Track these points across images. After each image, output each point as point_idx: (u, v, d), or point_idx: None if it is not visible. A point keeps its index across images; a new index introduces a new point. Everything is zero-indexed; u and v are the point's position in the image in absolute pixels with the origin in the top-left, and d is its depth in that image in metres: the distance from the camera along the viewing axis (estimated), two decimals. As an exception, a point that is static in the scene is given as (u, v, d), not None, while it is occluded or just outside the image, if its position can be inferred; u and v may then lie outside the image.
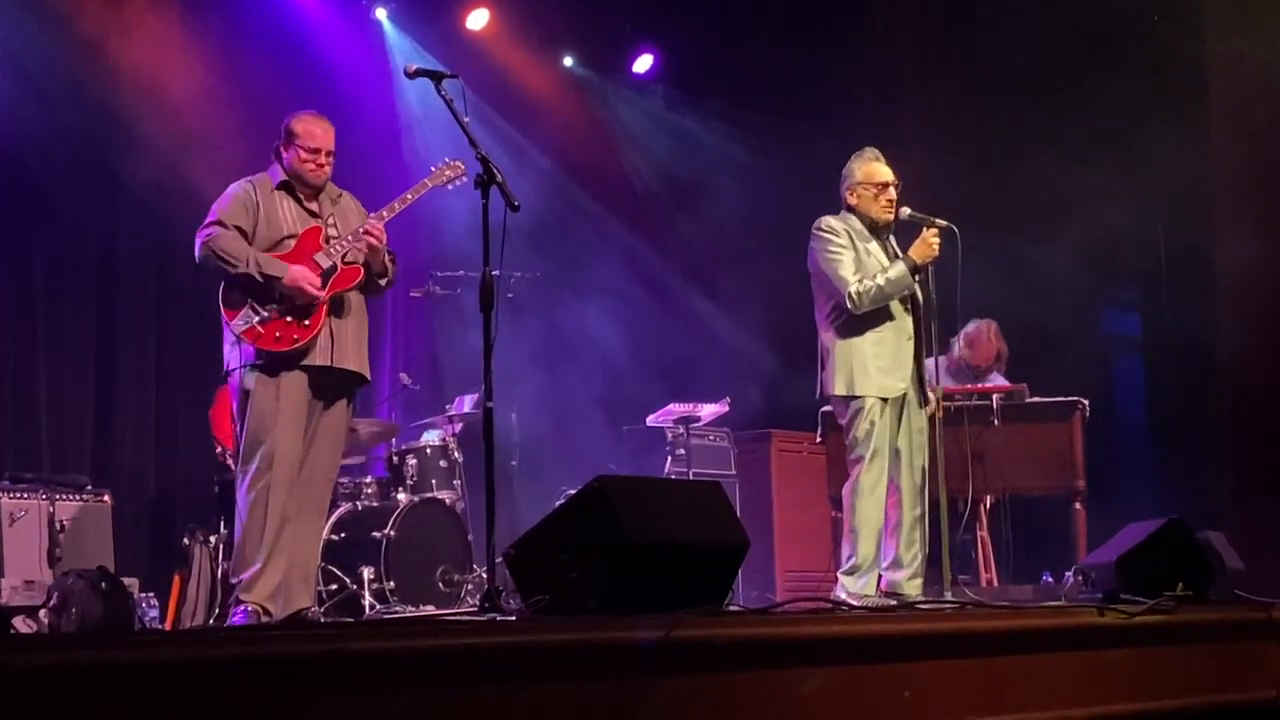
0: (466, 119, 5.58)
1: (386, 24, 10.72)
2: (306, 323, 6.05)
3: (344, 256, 6.17)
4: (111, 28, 8.78)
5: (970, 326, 8.67)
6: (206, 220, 6.10)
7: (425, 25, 10.76)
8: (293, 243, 6.15)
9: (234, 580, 5.98)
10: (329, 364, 6.12)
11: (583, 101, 11.92)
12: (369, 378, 6.43)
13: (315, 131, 6.28)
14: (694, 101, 11.86)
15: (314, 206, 6.30)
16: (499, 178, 5.39)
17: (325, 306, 6.10)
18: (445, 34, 10.82)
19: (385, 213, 6.30)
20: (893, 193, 6.82)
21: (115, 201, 8.98)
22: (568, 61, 11.87)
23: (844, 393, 6.67)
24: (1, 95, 8.42)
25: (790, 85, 11.28)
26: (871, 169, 6.86)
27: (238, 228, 6.07)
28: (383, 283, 6.44)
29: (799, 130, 10.92)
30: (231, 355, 6.08)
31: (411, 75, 5.77)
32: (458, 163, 6.54)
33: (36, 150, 8.62)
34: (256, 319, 5.98)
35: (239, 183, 6.25)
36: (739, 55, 11.49)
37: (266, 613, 5.89)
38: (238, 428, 6.10)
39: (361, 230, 6.19)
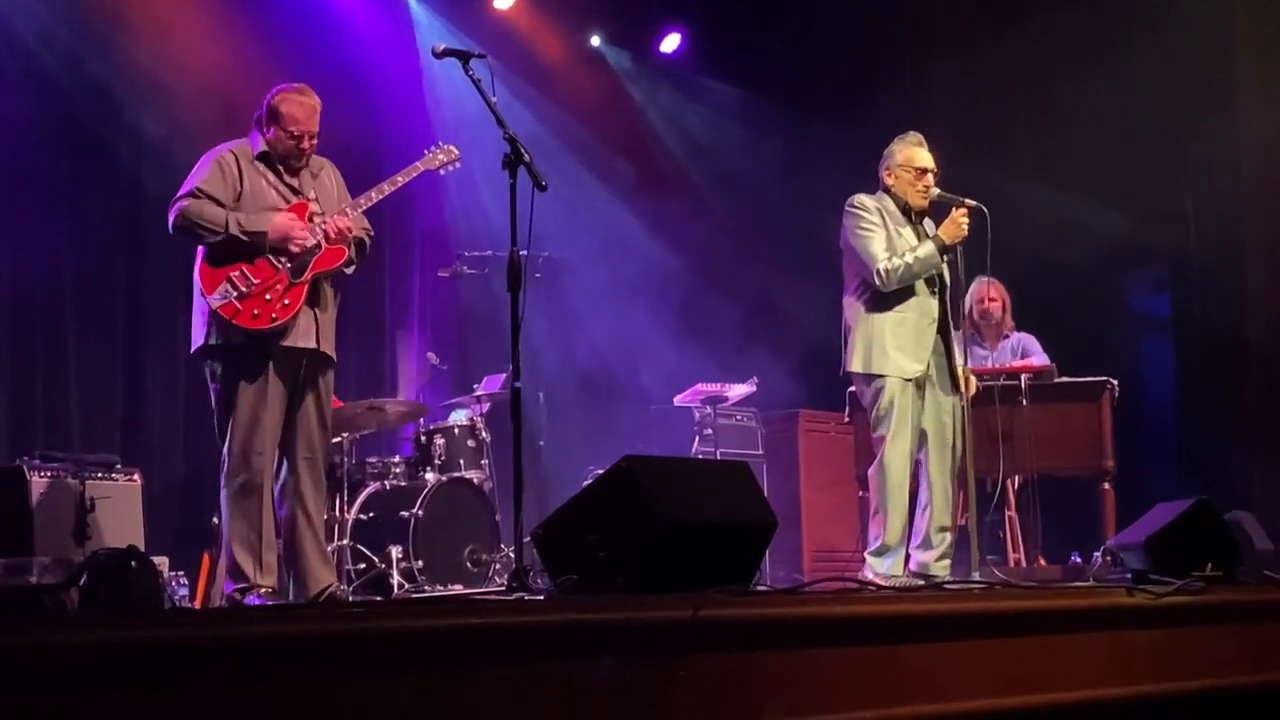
0: (494, 98, 5.57)
1: (413, 3, 10.72)
2: (286, 302, 5.95)
3: (328, 235, 6.11)
4: (137, 7, 8.80)
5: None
6: (181, 190, 5.98)
7: (452, 4, 10.76)
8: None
9: (245, 570, 5.87)
10: (314, 346, 6.06)
11: (610, 80, 11.91)
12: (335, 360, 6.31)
13: (298, 116, 6.15)
14: (722, 79, 11.84)
15: (295, 182, 6.21)
16: (526, 157, 5.37)
17: (305, 288, 6.03)
18: (472, 13, 10.82)
19: (363, 201, 6.23)
20: (930, 179, 6.82)
21: (142, 181, 8.99)
22: (595, 41, 11.87)
23: (861, 370, 6.69)
24: (27, 77, 8.44)
25: (818, 63, 11.26)
26: (912, 153, 6.85)
27: (212, 198, 5.95)
28: (349, 271, 6.30)
29: (827, 108, 10.91)
30: (207, 332, 5.95)
31: (439, 55, 5.76)
32: (452, 147, 6.53)
33: (63, 132, 8.68)
34: (234, 294, 5.87)
35: (218, 150, 6.13)
36: (766, 33, 11.47)
37: (276, 593, 5.90)
38: (218, 414, 5.98)
39: (322, 225, 6.10)
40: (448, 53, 5.72)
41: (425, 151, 6.56)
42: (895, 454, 6.59)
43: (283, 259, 5.99)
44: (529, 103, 10.76)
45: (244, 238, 5.89)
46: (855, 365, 6.71)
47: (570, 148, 11.11)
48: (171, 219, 5.97)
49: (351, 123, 8.95)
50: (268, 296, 5.94)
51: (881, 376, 6.64)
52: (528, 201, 5.29)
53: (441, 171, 6.56)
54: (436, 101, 10.67)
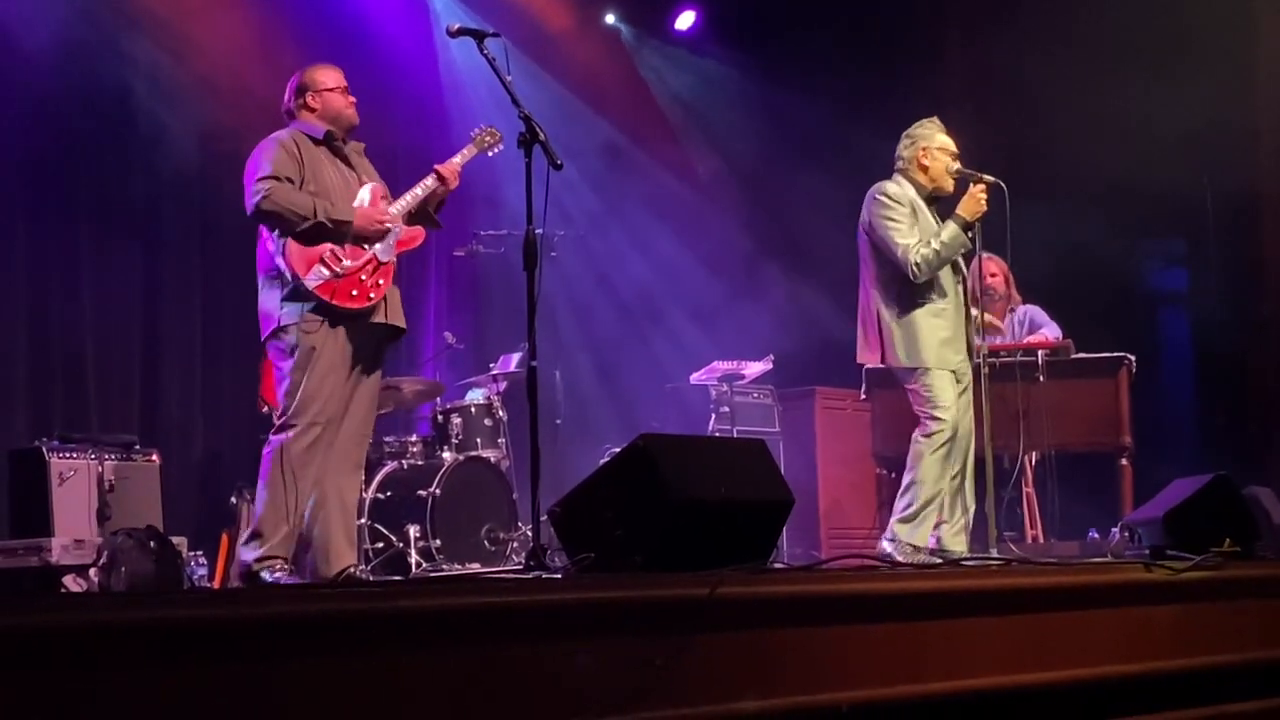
0: (509, 77, 5.56)
1: (429, -15, 10.70)
2: (380, 281, 6.03)
3: (412, 214, 6.19)
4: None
5: None
6: (258, 174, 5.94)
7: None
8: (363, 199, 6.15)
9: (266, 536, 5.84)
10: (396, 322, 6.17)
11: (624, 58, 11.88)
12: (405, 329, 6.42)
13: (335, 74, 6.26)
14: (737, 58, 11.81)
15: (351, 159, 6.27)
16: (542, 136, 5.37)
17: (393, 266, 6.11)
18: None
19: (422, 187, 6.28)
20: (958, 165, 6.83)
21: (158, 162, 8.99)
22: (609, 18, 11.84)
23: (909, 364, 6.69)
24: (45, 55, 8.45)
25: (833, 41, 11.22)
26: (945, 139, 6.86)
27: (289, 179, 5.97)
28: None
29: (842, 86, 10.88)
30: (288, 311, 5.94)
31: (454, 34, 5.76)
32: (495, 129, 6.55)
33: (81, 119, 8.69)
34: (329, 274, 5.90)
35: (277, 137, 6.13)
36: (781, 12, 11.43)
37: (292, 568, 5.91)
38: (290, 383, 5.95)
39: (430, 178, 6.25)
40: (462, 32, 5.73)
41: (472, 134, 6.56)
42: (941, 435, 6.61)
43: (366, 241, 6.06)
44: (543, 81, 10.74)
45: (330, 225, 5.93)
46: (902, 359, 6.71)
47: (585, 125, 11.09)
48: (256, 201, 5.90)
49: (368, 105, 8.92)
50: (362, 276, 5.99)
51: (929, 370, 6.66)
52: (543, 180, 5.29)
53: (490, 154, 6.57)
54: (452, 82, 10.65)
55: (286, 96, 6.28)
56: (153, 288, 9.14)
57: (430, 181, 6.26)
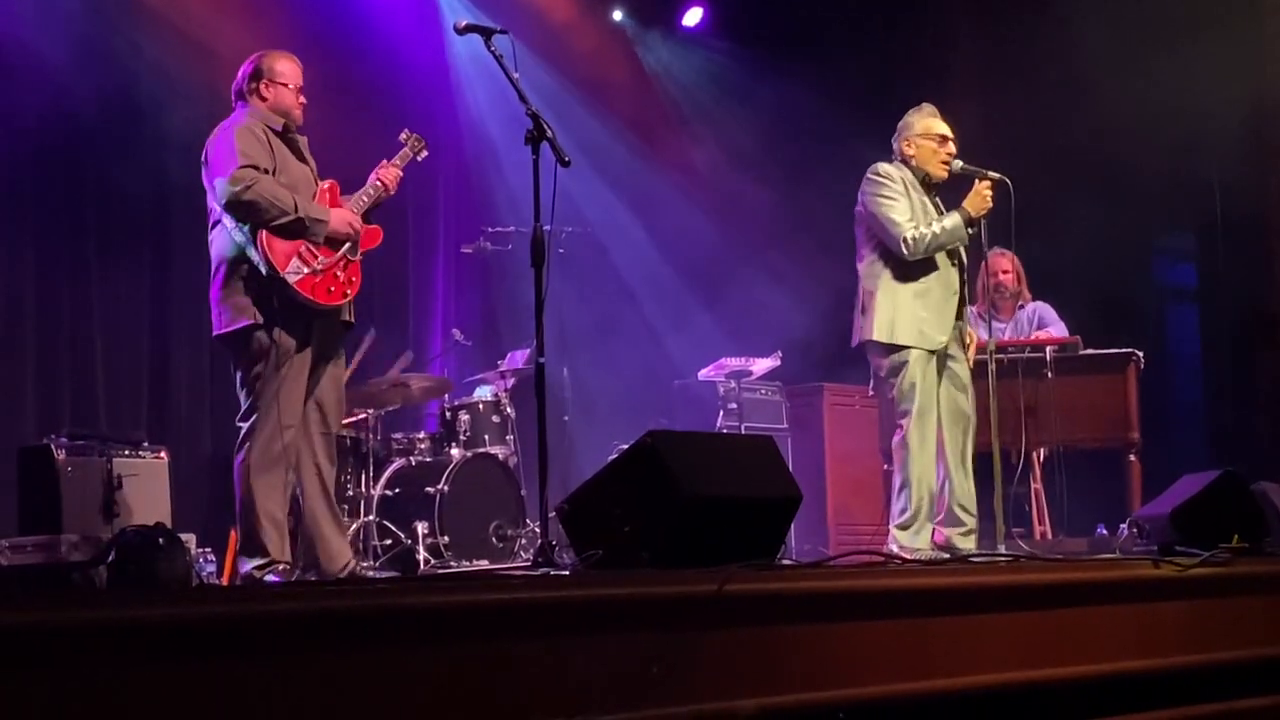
0: (516, 74, 5.56)
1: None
2: (354, 278, 6.06)
3: (363, 215, 6.19)
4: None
5: None
6: (236, 162, 5.82)
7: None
8: (316, 194, 6.15)
9: (261, 549, 5.84)
10: (352, 318, 6.22)
11: (632, 55, 11.88)
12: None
13: (296, 70, 6.22)
14: (745, 54, 11.80)
15: (304, 153, 6.25)
16: (549, 133, 5.37)
17: (360, 264, 6.11)
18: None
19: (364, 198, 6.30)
20: (951, 148, 6.82)
21: (167, 159, 8.98)
22: (617, 15, 11.84)
23: (885, 339, 6.66)
24: (53, 56, 8.45)
25: (843, 36, 11.22)
26: (930, 123, 6.87)
27: (267, 171, 5.92)
28: None
29: (852, 82, 10.87)
30: (262, 308, 5.84)
31: (461, 31, 5.75)
32: (420, 136, 6.55)
33: (88, 112, 8.68)
34: (307, 270, 5.90)
35: (245, 123, 6.02)
36: (790, 6, 11.43)
37: (289, 566, 5.91)
38: (260, 385, 5.89)
39: (378, 180, 6.28)
40: (470, 28, 5.72)
41: (402, 138, 6.53)
42: (920, 429, 6.59)
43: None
44: (550, 78, 10.74)
45: (308, 223, 5.90)
46: (878, 334, 6.67)
47: (593, 121, 11.08)
48: (237, 191, 5.78)
49: (374, 102, 8.94)
50: (338, 273, 6.01)
51: (905, 349, 6.62)
52: (551, 177, 5.29)
53: (419, 159, 6.56)
54: (459, 78, 10.65)
55: (239, 77, 6.22)
56: (161, 285, 9.14)
57: (379, 185, 6.29)
